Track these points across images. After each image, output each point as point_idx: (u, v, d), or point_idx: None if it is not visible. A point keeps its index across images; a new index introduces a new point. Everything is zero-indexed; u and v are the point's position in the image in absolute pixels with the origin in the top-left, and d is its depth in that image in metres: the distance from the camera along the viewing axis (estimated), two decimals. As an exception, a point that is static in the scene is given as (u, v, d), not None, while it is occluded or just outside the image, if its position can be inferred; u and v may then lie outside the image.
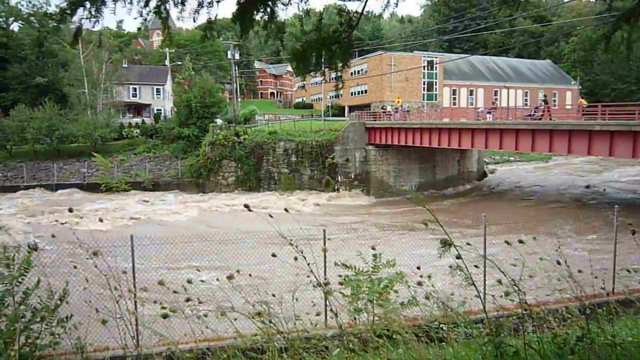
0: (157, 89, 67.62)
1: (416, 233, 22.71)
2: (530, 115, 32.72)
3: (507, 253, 4.83)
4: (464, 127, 32.41)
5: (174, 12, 3.93)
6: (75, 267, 5.11)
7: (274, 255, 4.34)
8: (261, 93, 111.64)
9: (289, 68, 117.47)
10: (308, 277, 3.66)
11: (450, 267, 3.76)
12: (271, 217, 3.85)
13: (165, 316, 4.20)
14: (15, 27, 77.85)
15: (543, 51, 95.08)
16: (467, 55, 72.58)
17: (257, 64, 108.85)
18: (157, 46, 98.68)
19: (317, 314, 5.55)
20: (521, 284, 3.85)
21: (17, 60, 67.90)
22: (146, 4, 3.53)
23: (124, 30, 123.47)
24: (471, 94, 70.98)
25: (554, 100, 72.81)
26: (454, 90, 70.12)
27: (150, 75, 69.17)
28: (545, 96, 40.06)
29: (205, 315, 4.51)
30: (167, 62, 74.82)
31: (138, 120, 60.45)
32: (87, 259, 4.42)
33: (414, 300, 4.68)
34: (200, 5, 3.56)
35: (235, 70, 54.89)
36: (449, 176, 41.75)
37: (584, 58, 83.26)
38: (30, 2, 73.21)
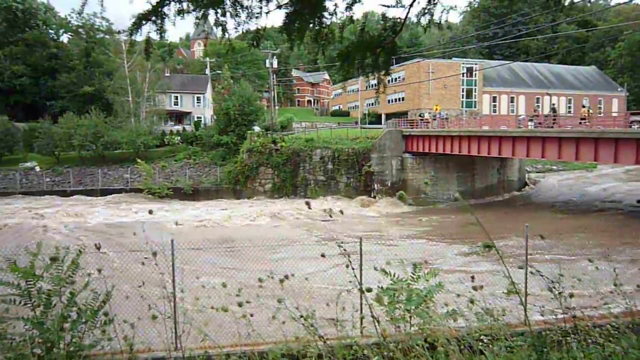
0: (197, 97, 69.26)
1: (454, 242, 22.34)
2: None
3: (549, 265, 4.70)
4: (504, 134, 31.68)
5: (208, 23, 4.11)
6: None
7: (323, 256, 4.37)
8: (298, 101, 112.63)
9: (326, 76, 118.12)
10: (350, 281, 3.67)
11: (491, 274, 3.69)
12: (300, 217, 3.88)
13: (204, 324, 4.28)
14: (64, 38, 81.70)
15: (588, 57, 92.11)
16: (507, 61, 71.12)
17: (294, 72, 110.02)
18: (198, 56, 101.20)
19: (356, 321, 5.54)
20: (565, 295, 3.74)
21: (66, 70, 71.14)
22: (204, 17, 3.72)
23: (167, 40, 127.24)
24: (512, 101, 69.39)
25: (599, 108, 70.27)
26: (494, 98, 68.73)
27: (191, 84, 70.97)
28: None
29: (252, 315, 4.56)
30: (207, 71, 76.54)
31: (179, 127, 62.02)
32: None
33: (453, 311, 4.61)
34: (250, 16, 3.70)
35: (273, 78, 55.60)
36: (489, 185, 40.86)
37: (631, 63, 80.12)
38: (79, 15, 76.48)
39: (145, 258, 4.69)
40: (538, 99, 69.49)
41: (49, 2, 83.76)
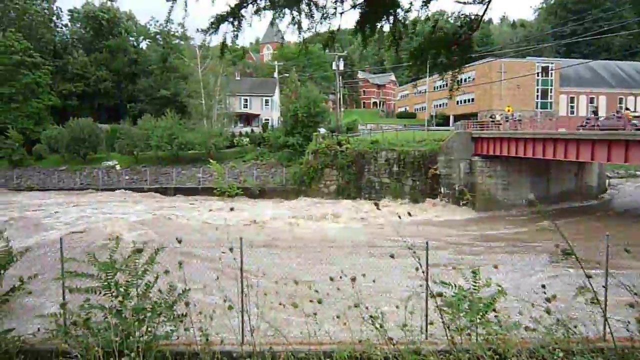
0: (266, 99, 70.97)
1: (525, 249, 21.36)
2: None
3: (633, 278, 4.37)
4: (582, 137, 29.82)
5: (283, 24, 4.22)
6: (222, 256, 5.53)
7: (392, 257, 4.34)
8: (364, 102, 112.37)
9: (392, 77, 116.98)
10: (421, 285, 3.61)
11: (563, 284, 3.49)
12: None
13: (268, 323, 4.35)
14: (143, 45, 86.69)
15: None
16: (587, 60, 66.99)
17: (360, 74, 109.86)
18: (267, 59, 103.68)
19: (422, 326, 5.43)
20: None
21: (145, 74, 75.53)
22: (281, 16, 3.84)
23: (238, 45, 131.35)
24: (591, 101, 65.26)
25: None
26: (572, 98, 65.00)
27: (260, 87, 72.86)
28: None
29: (315, 314, 4.61)
30: (275, 74, 78.21)
31: (248, 129, 63.84)
32: (222, 252, 4.76)
33: (518, 323, 4.40)
34: (325, 17, 3.76)
35: (339, 80, 55.84)
36: (565, 191, 38.65)
37: None
38: (157, 22, 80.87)
39: (223, 253, 4.88)
40: (621, 99, 64.93)
41: (131, 11, 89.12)
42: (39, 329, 6.08)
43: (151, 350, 5.30)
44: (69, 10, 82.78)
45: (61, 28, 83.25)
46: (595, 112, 31.98)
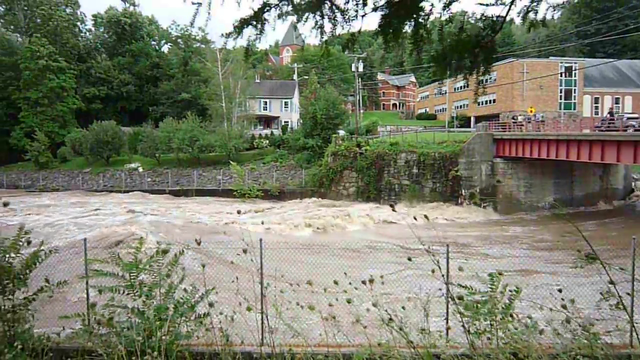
0: (285, 102, 71.29)
1: (547, 252, 21.00)
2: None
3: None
4: (608, 138, 29.18)
5: (304, 27, 4.24)
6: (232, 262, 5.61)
7: (409, 259, 4.32)
8: (383, 104, 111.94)
9: (412, 78, 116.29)
10: (440, 289, 3.58)
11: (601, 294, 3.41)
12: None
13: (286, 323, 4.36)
14: (165, 48, 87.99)
15: None
16: (612, 59, 65.59)
17: (380, 76, 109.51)
18: (287, 62, 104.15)
19: (442, 329, 5.38)
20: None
21: (166, 78, 76.65)
22: (304, 20, 3.87)
23: (258, 48, 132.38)
24: (617, 102, 63.84)
25: None
26: (596, 99, 63.67)
27: (279, 90, 73.24)
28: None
29: (334, 317, 4.61)
30: (295, 76, 78.52)
31: (267, 131, 64.22)
32: (237, 254, 4.81)
33: (533, 326, 4.32)
34: (347, 20, 3.77)
35: (358, 82, 55.79)
36: (589, 193, 37.88)
37: None
38: (178, 26, 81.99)
39: (237, 255, 4.92)
40: (648, 99, 63.39)
41: (153, 15, 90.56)
42: (63, 328, 6.21)
43: (172, 350, 5.37)
44: (93, 16, 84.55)
45: (85, 33, 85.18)
46: (612, 113, 31.49)
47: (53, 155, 60.06)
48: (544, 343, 4.63)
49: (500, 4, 4.17)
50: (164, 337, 5.52)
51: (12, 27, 72.73)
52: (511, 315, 4.62)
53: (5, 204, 5.54)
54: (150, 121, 65.85)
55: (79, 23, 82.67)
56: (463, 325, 3.67)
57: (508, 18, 4.45)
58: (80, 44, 79.33)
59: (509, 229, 30.08)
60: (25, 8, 74.56)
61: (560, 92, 61.99)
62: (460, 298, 3.91)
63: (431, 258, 3.79)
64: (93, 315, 5.77)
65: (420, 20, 3.89)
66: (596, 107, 63.44)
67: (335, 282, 4.94)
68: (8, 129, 64.00)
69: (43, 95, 62.72)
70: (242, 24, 3.98)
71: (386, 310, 4.05)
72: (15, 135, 62.82)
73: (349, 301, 4.49)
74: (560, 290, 4.78)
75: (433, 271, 3.88)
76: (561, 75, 61.40)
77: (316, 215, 33.23)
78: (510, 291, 4.92)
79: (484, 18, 4.27)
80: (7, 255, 6.07)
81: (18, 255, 6.18)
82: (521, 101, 59.12)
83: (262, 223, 28.94)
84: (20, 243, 6.25)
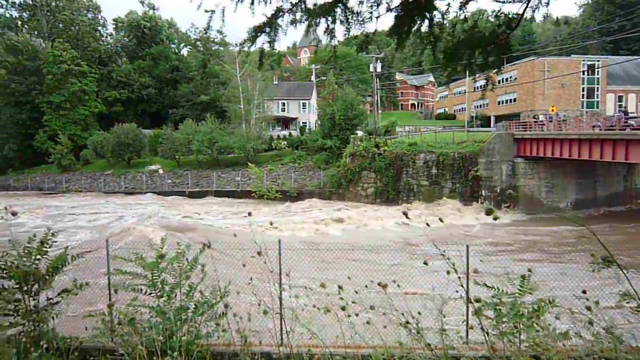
0: (303, 103, 71.44)
1: (568, 254, 20.60)
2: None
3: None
4: (632, 137, 28.53)
5: (319, 31, 4.25)
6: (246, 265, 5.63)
7: (425, 264, 4.29)
8: (402, 104, 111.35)
9: (431, 78, 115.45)
10: (457, 291, 3.54)
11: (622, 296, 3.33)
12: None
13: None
14: (184, 51, 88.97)
15: None
16: (637, 57, 64.10)
17: (398, 76, 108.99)
18: (304, 63, 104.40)
19: (461, 330, 5.32)
20: None
21: (185, 80, 77.55)
22: (315, 25, 3.85)
23: (276, 50, 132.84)
24: (642, 100, 62.46)
25: None
26: (620, 97, 62.34)
27: (297, 91, 73.43)
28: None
29: (349, 316, 4.59)
30: (313, 77, 78.63)
31: (285, 132, 64.44)
32: (251, 257, 4.83)
33: (565, 332, 4.23)
34: (360, 22, 3.75)
35: (376, 82, 55.59)
36: (613, 193, 37.11)
37: None
38: (197, 29, 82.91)
39: (252, 257, 4.94)
40: (675, 97, 61.83)
41: (172, 18, 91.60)
42: (86, 328, 6.31)
43: (192, 350, 5.42)
44: (114, 20, 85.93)
45: (106, 37, 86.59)
46: (626, 112, 31.00)
47: (75, 157, 61.19)
48: (566, 346, 4.55)
49: (517, 1, 4.11)
50: (184, 338, 5.58)
51: (35, 32, 74.33)
52: (538, 317, 4.54)
53: (14, 214, 5.69)
54: (170, 123, 66.65)
55: (100, 27, 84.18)
56: (482, 328, 3.62)
57: (527, 15, 4.38)
58: (102, 48, 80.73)
59: (529, 229, 29.63)
60: (48, 14, 76.18)
61: (583, 90, 60.88)
62: (478, 300, 3.86)
63: (446, 261, 3.74)
64: (116, 314, 5.86)
65: (434, 20, 3.84)
66: (620, 106, 62.10)
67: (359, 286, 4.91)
68: (32, 133, 65.44)
69: (65, 99, 63.96)
70: (256, 31, 4.00)
71: (403, 314, 4.02)
72: (39, 138, 64.19)
73: (372, 308, 4.47)
74: (584, 292, 4.69)
75: (448, 272, 3.83)
76: (583, 74, 60.28)
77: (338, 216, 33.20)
78: (539, 299, 4.83)
79: (500, 15, 4.20)
80: (33, 257, 6.21)
81: (44, 257, 6.33)
82: (542, 100, 58.24)
83: (271, 223, 29.05)
84: (47, 246, 6.40)
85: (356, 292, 4.90)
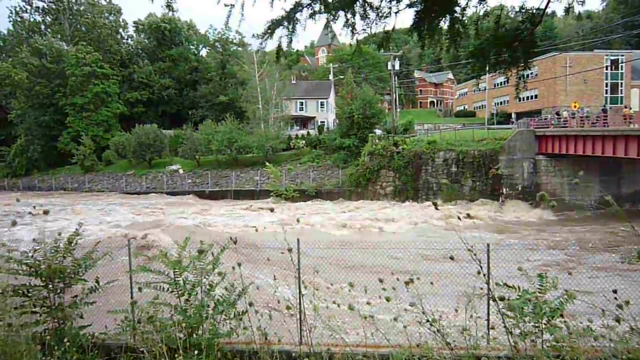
0: (321, 102, 71.43)
1: (595, 251, 20.22)
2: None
3: None
4: (659, 133, 27.82)
5: (336, 26, 4.23)
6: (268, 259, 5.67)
7: (451, 258, 4.25)
8: (420, 102, 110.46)
9: (450, 75, 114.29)
10: (482, 289, 3.50)
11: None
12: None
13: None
14: (203, 52, 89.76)
15: None
16: (663, 50, 62.59)
17: (416, 73, 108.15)
18: (322, 62, 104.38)
19: (489, 332, 5.25)
20: None
21: (205, 81, 78.25)
22: (336, 18, 3.85)
23: (293, 49, 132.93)
24: (668, 95, 60.87)
25: None
26: (645, 92, 60.90)
27: (315, 90, 73.44)
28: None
29: (372, 317, 4.58)
30: (331, 76, 78.52)
31: (304, 132, 64.47)
32: (281, 252, 4.86)
33: (589, 329, 4.15)
34: (380, 17, 3.72)
35: (394, 80, 55.26)
36: (638, 190, 36.22)
37: None
38: (215, 30, 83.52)
39: (282, 253, 4.97)
40: (702, 91, 60.13)
41: (191, 20, 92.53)
42: (106, 327, 6.43)
43: (213, 348, 5.46)
44: (134, 22, 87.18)
45: (127, 39, 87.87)
46: (605, 110, 30.51)
47: (98, 158, 62.26)
48: (592, 346, 4.45)
49: None
50: (204, 335, 5.63)
51: (58, 36, 75.80)
52: (562, 315, 4.45)
53: (46, 212, 5.86)
54: (190, 124, 67.30)
55: (121, 30, 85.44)
56: (505, 327, 3.57)
57: (549, 10, 4.30)
58: (123, 50, 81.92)
59: (552, 229, 29.13)
60: (71, 17, 77.63)
61: (606, 86, 59.66)
62: (502, 299, 3.80)
63: (472, 257, 3.71)
64: (138, 312, 5.95)
65: (456, 15, 3.79)
66: (646, 101, 60.68)
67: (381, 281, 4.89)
68: (56, 134, 66.76)
69: (88, 101, 65.09)
70: (274, 25, 3.99)
71: (423, 313, 3.99)
72: (62, 139, 65.44)
73: (387, 299, 4.44)
74: (615, 291, 4.58)
75: (478, 272, 3.79)
76: (607, 69, 59.07)
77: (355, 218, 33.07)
78: (565, 292, 4.75)
79: (522, 10, 4.13)
80: (59, 256, 6.36)
81: (69, 255, 6.47)
82: (564, 96, 57.23)
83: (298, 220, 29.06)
84: (74, 245, 6.55)
85: (383, 289, 4.87)
